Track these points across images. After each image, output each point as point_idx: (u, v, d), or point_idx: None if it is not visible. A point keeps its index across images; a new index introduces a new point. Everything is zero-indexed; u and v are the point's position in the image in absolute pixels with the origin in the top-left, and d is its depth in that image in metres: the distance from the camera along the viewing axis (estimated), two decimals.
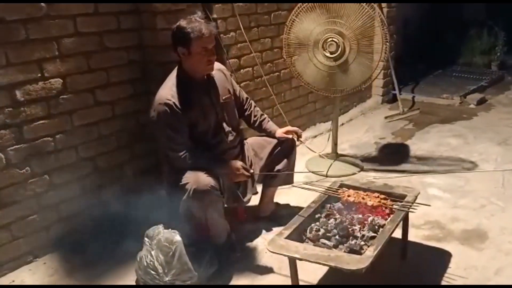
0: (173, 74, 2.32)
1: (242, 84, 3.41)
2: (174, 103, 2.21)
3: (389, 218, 2.12)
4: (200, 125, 2.33)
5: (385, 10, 4.67)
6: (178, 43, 2.23)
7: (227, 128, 2.45)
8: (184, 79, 2.29)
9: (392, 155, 3.78)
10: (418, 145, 3.93)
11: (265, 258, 2.43)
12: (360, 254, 1.89)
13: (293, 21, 3.16)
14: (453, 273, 2.26)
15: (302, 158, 3.51)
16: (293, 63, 3.31)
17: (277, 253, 1.93)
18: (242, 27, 3.29)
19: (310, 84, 3.34)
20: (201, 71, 2.33)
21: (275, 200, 2.84)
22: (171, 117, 2.21)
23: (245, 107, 2.66)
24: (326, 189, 2.35)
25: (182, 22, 2.22)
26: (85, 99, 2.57)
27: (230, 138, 2.46)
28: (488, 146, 3.83)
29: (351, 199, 2.22)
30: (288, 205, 2.94)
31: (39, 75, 2.36)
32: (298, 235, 2.06)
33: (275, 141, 2.63)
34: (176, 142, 2.26)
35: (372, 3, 3.06)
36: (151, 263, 2.14)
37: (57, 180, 2.51)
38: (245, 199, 2.52)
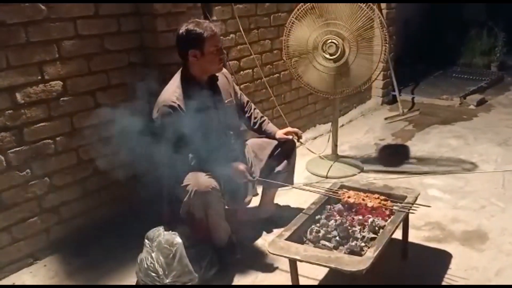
0: (177, 77, 2.32)
1: (242, 86, 3.42)
2: (178, 105, 2.22)
3: (389, 219, 2.12)
4: (203, 127, 2.33)
5: (384, 11, 4.68)
6: (189, 46, 2.23)
7: (228, 131, 2.45)
8: (189, 81, 2.30)
9: (392, 156, 3.78)
10: (418, 146, 3.94)
11: (265, 259, 2.43)
12: (361, 255, 1.89)
13: (292, 23, 3.17)
14: (454, 274, 2.26)
15: (302, 159, 3.51)
16: (293, 64, 3.32)
17: (278, 255, 1.94)
18: (241, 29, 3.30)
19: (310, 86, 3.35)
20: (214, 70, 2.35)
21: (275, 201, 2.85)
22: (175, 119, 2.21)
23: (246, 109, 2.67)
24: (326, 190, 2.36)
25: (190, 25, 2.23)
26: (85, 101, 2.58)
27: (232, 140, 2.47)
28: (488, 147, 3.83)
29: (351, 200, 2.22)
30: (288, 206, 2.94)
31: (40, 77, 2.36)
32: (298, 237, 2.06)
33: (275, 142, 2.64)
34: (179, 144, 2.26)
35: (372, 5, 3.07)
36: (152, 265, 2.14)
37: (58, 182, 2.52)
38: (246, 201, 2.52)
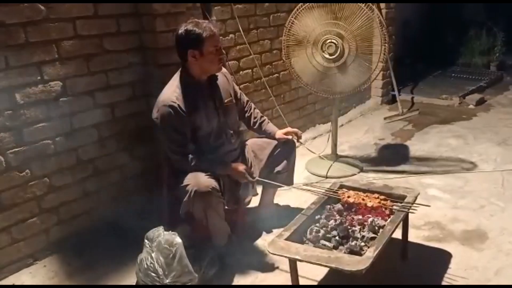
0: (177, 77, 2.32)
1: (241, 86, 3.42)
2: (178, 105, 2.21)
3: (389, 219, 2.12)
4: (203, 128, 2.33)
5: (384, 11, 4.68)
6: (189, 46, 2.22)
7: (228, 131, 2.45)
8: (189, 82, 2.30)
9: (392, 156, 3.79)
10: (417, 146, 3.94)
11: (265, 259, 2.43)
12: (360, 255, 1.89)
13: (292, 23, 3.17)
14: (454, 274, 2.26)
15: (302, 159, 3.51)
16: (292, 64, 3.32)
17: (278, 255, 1.94)
18: (241, 29, 3.30)
19: (310, 86, 3.35)
20: (213, 71, 2.34)
21: (275, 201, 2.85)
22: (175, 119, 2.21)
23: (245, 109, 2.67)
24: (326, 190, 2.36)
25: (189, 25, 2.22)
26: (85, 101, 2.58)
27: (231, 140, 2.46)
28: (487, 146, 3.83)
29: (351, 200, 2.22)
30: (288, 206, 2.94)
31: (39, 78, 2.36)
32: (298, 237, 2.06)
33: (275, 142, 2.64)
34: (179, 144, 2.26)
35: (371, 4, 3.07)
36: (152, 265, 2.14)
37: (57, 183, 2.51)
38: (245, 201, 2.53)
